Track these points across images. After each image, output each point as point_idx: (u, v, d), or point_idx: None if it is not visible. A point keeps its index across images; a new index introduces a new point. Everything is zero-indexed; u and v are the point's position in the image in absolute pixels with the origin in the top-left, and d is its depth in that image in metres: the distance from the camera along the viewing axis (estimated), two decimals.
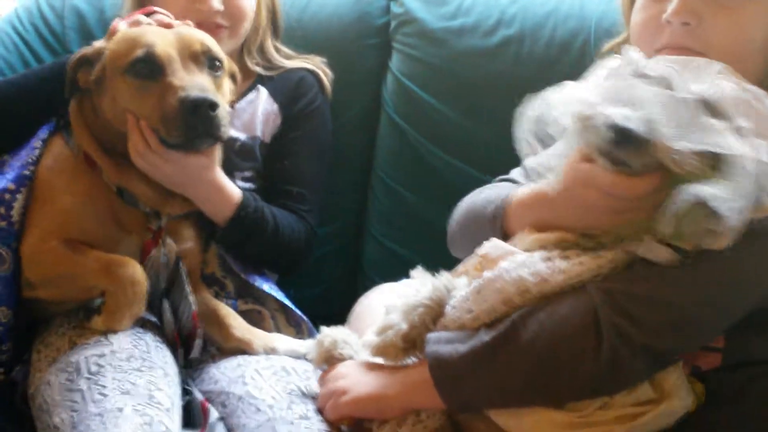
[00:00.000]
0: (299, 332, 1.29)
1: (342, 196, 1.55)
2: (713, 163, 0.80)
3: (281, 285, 1.39)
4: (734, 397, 0.92)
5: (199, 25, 1.26)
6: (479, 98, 1.46)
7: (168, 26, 1.21)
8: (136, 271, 1.13)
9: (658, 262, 0.86)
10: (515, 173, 1.14)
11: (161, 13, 1.24)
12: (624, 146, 0.83)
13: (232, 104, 1.29)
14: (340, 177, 1.53)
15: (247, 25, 1.40)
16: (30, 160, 1.19)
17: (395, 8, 1.56)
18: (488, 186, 1.13)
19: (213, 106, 1.10)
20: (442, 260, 1.06)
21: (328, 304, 1.38)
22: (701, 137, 0.79)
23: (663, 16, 0.97)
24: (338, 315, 1.24)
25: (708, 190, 0.78)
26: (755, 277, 0.87)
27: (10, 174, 1.19)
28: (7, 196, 1.16)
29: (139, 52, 1.13)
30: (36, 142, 1.22)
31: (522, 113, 0.96)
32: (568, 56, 1.39)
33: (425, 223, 1.48)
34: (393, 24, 1.56)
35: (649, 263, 0.87)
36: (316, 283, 1.51)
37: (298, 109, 1.42)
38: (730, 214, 0.78)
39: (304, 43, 1.52)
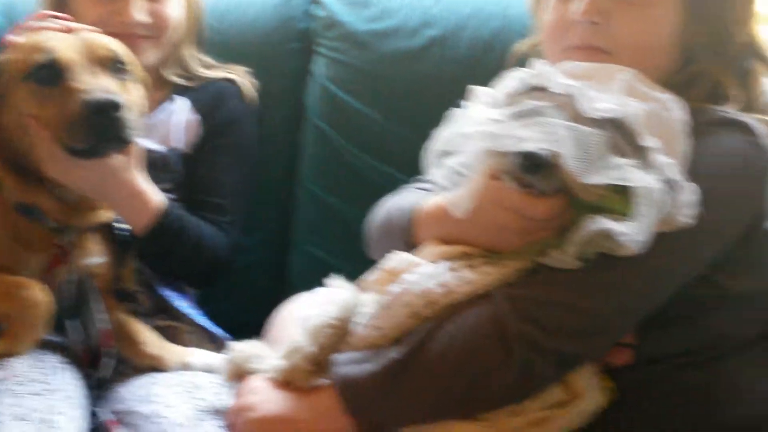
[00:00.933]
0: (219, 347, 1.26)
1: (266, 205, 1.54)
2: (619, 190, 0.82)
3: (203, 297, 1.38)
4: (646, 393, 0.94)
5: (119, 36, 1.23)
6: (405, 101, 1.46)
7: (69, 31, 1.17)
8: (38, 293, 1.10)
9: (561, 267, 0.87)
10: (445, 176, 1.12)
11: (61, 17, 1.20)
12: (532, 171, 0.84)
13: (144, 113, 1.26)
14: (264, 186, 1.51)
15: (170, 35, 1.38)
16: None
17: (318, 12, 1.56)
18: (405, 191, 1.12)
19: (117, 106, 1.06)
20: (370, 267, 1.03)
21: (254, 315, 1.32)
22: (606, 172, 0.81)
23: (571, 15, 0.98)
24: (263, 326, 1.21)
25: (617, 227, 0.81)
26: (657, 277, 0.89)
27: None
28: None
29: (40, 58, 1.09)
30: None
31: (428, 146, 0.97)
32: (491, 56, 1.39)
33: (352, 230, 1.44)
34: (316, 27, 1.56)
35: (554, 269, 0.87)
36: (241, 294, 1.50)
37: (219, 120, 1.42)
38: (636, 246, 0.81)
39: (224, 51, 1.51)
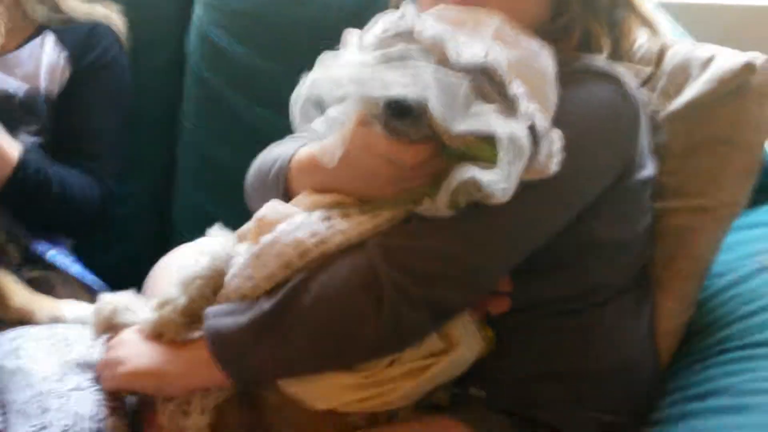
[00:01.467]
0: (95, 299, 1.19)
1: (147, 152, 1.51)
2: (484, 138, 0.81)
3: (79, 248, 1.36)
4: (524, 340, 0.96)
5: None
6: (291, 45, 1.42)
7: None
8: None
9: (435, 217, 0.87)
10: (317, 123, 1.08)
11: None
12: (399, 116, 0.83)
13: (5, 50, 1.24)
14: (144, 132, 1.49)
15: None
16: None
17: None
18: (281, 142, 1.10)
19: None
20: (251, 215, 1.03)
21: (138, 266, 1.28)
22: (471, 120, 0.81)
23: None
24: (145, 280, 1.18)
25: (482, 175, 0.80)
26: (527, 225, 0.90)
27: None
28: None
29: None
30: None
31: (296, 93, 0.94)
32: None
33: (238, 179, 1.38)
34: None
35: (426, 218, 0.87)
36: (120, 245, 1.48)
37: (90, 61, 1.37)
38: (502, 193, 0.81)
39: None
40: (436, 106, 0.80)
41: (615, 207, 0.94)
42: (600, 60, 0.96)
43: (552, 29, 0.97)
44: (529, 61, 0.86)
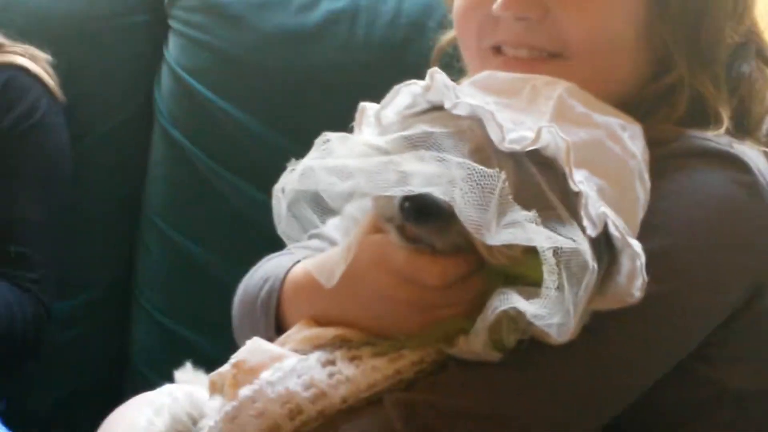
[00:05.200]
0: None
1: (98, 252, 1.57)
2: (533, 252, 0.84)
3: (7, 388, 1.41)
4: None
5: None
6: (291, 102, 1.49)
7: None
8: None
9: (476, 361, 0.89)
10: (329, 226, 1.11)
11: None
12: (422, 221, 0.86)
13: None
14: (92, 223, 1.54)
15: None
16: None
17: None
18: (277, 254, 1.15)
19: None
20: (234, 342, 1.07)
21: (85, 410, 1.38)
22: (509, 229, 0.83)
23: (492, 7, 0.99)
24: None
25: (526, 305, 0.82)
26: (607, 376, 0.91)
27: None
28: None
29: None
30: None
31: (279, 185, 0.97)
32: (418, 40, 1.43)
33: (218, 288, 1.45)
34: None
35: (464, 363, 0.89)
36: (64, 381, 1.52)
37: (7, 126, 1.44)
38: (557, 331, 0.83)
39: (29, 26, 1.53)
40: (464, 209, 0.83)
41: (745, 345, 0.96)
42: (717, 137, 0.98)
43: (649, 94, 1.01)
44: (604, 145, 0.89)
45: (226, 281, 1.40)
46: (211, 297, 1.48)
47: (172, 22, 1.59)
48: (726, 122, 0.99)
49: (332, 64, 1.50)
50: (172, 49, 1.58)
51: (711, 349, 0.95)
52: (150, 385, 1.25)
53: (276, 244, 1.14)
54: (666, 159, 0.94)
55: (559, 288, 0.82)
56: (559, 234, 0.83)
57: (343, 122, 0.98)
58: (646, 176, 0.93)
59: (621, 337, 0.89)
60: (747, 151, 0.97)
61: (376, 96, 0.98)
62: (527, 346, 0.87)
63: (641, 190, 0.92)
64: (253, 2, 1.55)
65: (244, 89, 1.53)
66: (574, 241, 0.83)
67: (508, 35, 1.01)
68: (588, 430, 0.94)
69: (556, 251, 0.82)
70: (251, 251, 1.19)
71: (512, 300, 0.84)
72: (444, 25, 1.30)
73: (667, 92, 1.01)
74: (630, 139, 0.92)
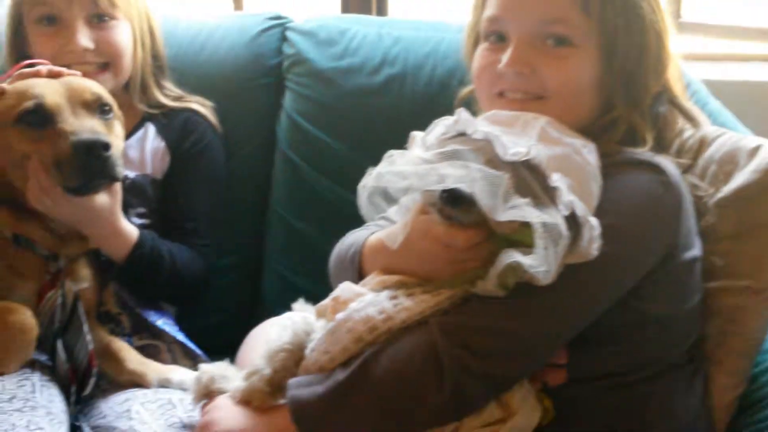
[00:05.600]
0: (195, 365, 1.25)
1: (240, 229, 1.55)
2: (526, 225, 0.85)
3: (181, 316, 1.39)
4: (581, 410, 0.97)
5: (74, 68, 1.25)
6: (367, 133, 1.47)
7: (57, 75, 1.20)
8: (26, 317, 1.12)
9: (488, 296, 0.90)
10: (391, 211, 1.14)
11: (43, 63, 1.23)
12: (453, 205, 0.88)
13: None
14: (238, 211, 1.52)
15: (127, 61, 1.38)
16: None
17: (287, 49, 1.57)
18: (358, 229, 1.15)
19: (106, 146, 1.10)
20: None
21: (230, 333, 1.34)
22: (510, 211, 0.85)
23: (498, 66, 1.00)
24: (238, 344, 1.24)
25: (523, 259, 0.84)
26: (574, 303, 0.91)
27: None
28: None
29: (29, 104, 1.12)
30: None
31: (363, 184, 0.99)
32: (447, 93, 1.40)
33: (320, 253, 1.39)
34: (285, 64, 1.57)
35: (481, 297, 0.90)
36: (217, 313, 1.51)
37: (187, 148, 1.42)
38: (543, 275, 0.84)
39: (199, 84, 1.51)
40: (482, 197, 0.85)
41: (662, 286, 0.96)
42: (643, 152, 0.98)
43: (601, 124, 1.01)
44: (571, 157, 0.90)
45: (323, 248, 1.37)
46: (314, 258, 1.44)
47: (287, 83, 1.57)
48: (649, 143, 1.01)
49: (390, 108, 1.48)
50: (287, 99, 1.57)
51: (639, 290, 0.95)
52: (274, 315, 1.29)
53: (356, 225, 1.18)
54: (611, 166, 0.95)
55: (545, 248, 0.84)
56: (544, 213, 0.85)
57: (400, 145, 1.01)
58: (599, 178, 0.94)
59: (583, 279, 0.89)
60: (663, 160, 0.98)
61: (420, 128, 1.02)
62: (523, 286, 0.88)
63: (595, 187, 0.93)
64: (340, 69, 1.52)
65: (335, 125, 1.52)
66: (553, 217, 0.85)
67: (508, 84, 1.01)
68: (564, 340, 0.94)
69: (543, 224, 0.84)
70: (340, 229, 1.20)
71: (514, 256, 0.86)
72: (463, 83, 1.31)
73: (610, 123, 1.01)
74: (588, 154, 0.94)
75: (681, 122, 1.07)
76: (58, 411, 1.11)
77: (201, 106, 1.48)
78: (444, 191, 0.88)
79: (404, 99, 1.47)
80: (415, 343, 0.91)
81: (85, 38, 1.32)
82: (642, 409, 0.98)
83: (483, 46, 1.05)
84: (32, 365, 1.16)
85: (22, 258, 1.19)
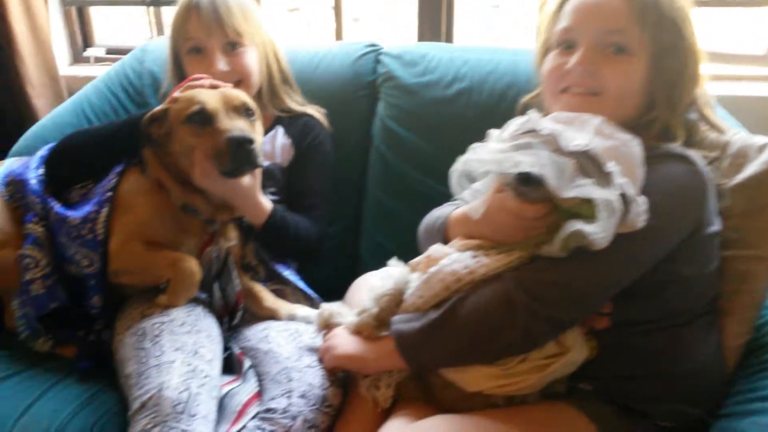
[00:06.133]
0: (312, 305, 1.30)
1: (345, 205, 1.55)
2: (585, 201, 0.83)
3: (301, 269, 1.40)
4: (621, 349, 0.95)
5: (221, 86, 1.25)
6: (441, 133, 1.44)
7: (215, 87, 1.22)
8: (193, 264, 1.14)
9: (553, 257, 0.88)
10: (466, 194, 1.12)
11: (206, 78, 1.24)
12: (525, 185, 0.86)
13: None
14: (342, 192, 1.52)
15: (255, 79, 1.37)
16: (108, 188, 1.20)
17: (380, 69, 1.55)
18: (442, 206, 1.13)
19: (251, 141, 1.11)
20: (415, 249, 1.07)
21: (335, 284, 1.34)
22: (575, 189, 0.83)
23: (567, 65, 0.97)
24: (343, 290, 1.24)
25: (585, 227, 0.81)
26: (621, 265, 0.89)
27: (94, 199, 1.21)
28: (92, 216, 1.18)
29: (195, 108, 1.14)
30: (111, 176, 1.22)
31: (453, 168, 0.98)
32: (504, 102, 1.38)
33: (404, 224, 1.42)
34: (379, 80, 1.56)
35: (547, 258, 0.88)
36: (326, 268, 1.51)
37: (306, 143, 1.42)
38: (600, 241, 0.82)
39: (315, 94, 1.51)
40: (551, 179, 0.83)
41: (690, 253, 0.92)
42: (676, 146, 0.94)
43: (642, 122, 0.96)
44: (622, 149, 0.87)
45: (407, 220, 1.38)
46: (399, 228, 1.48)
47: (380, 95, 1.55)
48: (681, 139, 0.96)
49: (460, 114, 1.45)
50: (380, 107, 1.55)
51: (673, 256, 0.91)
52: (369, 271, 1.28)
53: (432, 203, 1.16)
54: (651, 158, 0.91)
55: (606, 218, 0.80)
56: (604, 192, 0.82)
57: (467, 142, 0.99)
58: (643, 165, 0.90)
59: (630, 245, 0.86)
60: (692, 153, 0.93)
61: (482, 130, 1.01)
62: (581, 249, 0.85)
63: (640, 172, 0.89)
64: (421, 84, 1.50)
65: (417, 127, 1.49)
66: (610, 195, 0.82)
67: (573, 80, 0.97)
68: (613, 293, 0.91)
69: (604, 200, 0.81)
70: (420, 206, 1.18)
71: (578, 225, 0.83)
72: (518, 95, 1.27)
73: (650, 121, 0.96)
74: (635, 147, 0.90)
75: (705, 128, 1.02)
76: (215, 335, 1.13)
77: (317, 111, 1.47)
78: (519, 173, 0.86)
79: (470, 107, 1.44)
80: (493, 292, 0.89)
81: (221, 63, 1.32)
82: (669, 350, 0.95)
83: (554, 53, 1.01)
84: (196, 301, 1.19)
85: (189, 221, 1.21)
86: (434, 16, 1.83)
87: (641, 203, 0.83)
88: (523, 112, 0.98)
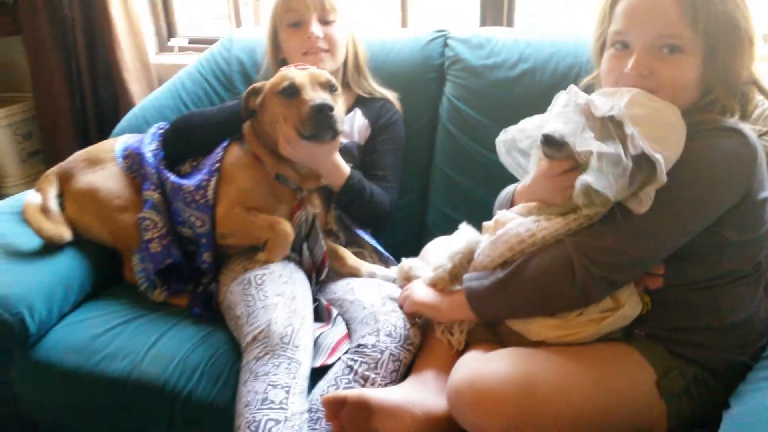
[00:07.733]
0: (387, 266, 1.39)
1: (414, 179, 1.59)
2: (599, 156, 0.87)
3: (375, 236, 1.48)
4: (672, 305, 0.98)
5: (310, 53, 1.37)
6: (506, 111, 1.45)
7: (304, 68, 1.33)
8: (287, 227, 1.26)
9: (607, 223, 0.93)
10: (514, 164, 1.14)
11: (297, 64, 1.36)
12: (550, 145, 0.92)
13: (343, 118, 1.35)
14: (412, 167, 1.57)
15: (341, 51, 1.45)
16: (216, 160, 1.34)
17: (448, 52, 1.59)
18: (513, 184, 1.17)
19: (331, 108, 1.20)
20: (478, 220, 1.13)
21: (405, 250, 1.38)
22: (583, 144, 0.88)
23: (624, 69, 0.97)
24: (411, 256, 1.28)
25: (587, 177, 0.86)
26: (670, 231, 0.92)
27: (205, 170, 1.34)
28: (204, 183, 1.31)
29: (286, 83, 1.26)
30: (218, 150, 1.36)
31: (499, 139, 1.02)
32: (566, 82, 1.30)
33: (468, 197, 1.53)
34: (446, 63, 1.59)
35: (602, 223, 0.93)
36: (396, 235, 1.56)
37: (381, 124, 1.48)
38: (606, 189, 0.85)
39: (388, 77, 1.57)
40: (569, 137, 0.89)
41: (739, 218, 0.95)
42: (730, 120, 0.96)
43: (701, 104, 0.98)
44: (654, 116, 0.90)
45: (471, 193, 1.48)
46: (464, 200, 1.53)
47: (448, 77, 1.59)
48: (736, 114, 0.97)
49: (523, 94, 1.48)
50: (447, 88, 1.58)
51: (724, 221, 0.93)
52: (436, 238, 1.36)
53: (494, 177, 1.23)
54: (705, 132, 0.93)
55: (598, 168, 0.85)
56: (604, 145, 0.86)
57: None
58: (681, 130, 0.90)
59: (679, 211, 0.90)
60: (744, 127, 0.95)
61: (545, 108, 1.03)
62: (634, 217, 0.88)
63: (674, 135, 0.90)
64: (486, 65, 1.54)
65: (482, 106, 1.53)
66: (611, 149, 0.86)
67: (630, 83, 0.97)
68: (663, 256, 0.93)
69: (599, 152, 0.86)
70: (484, 180, 1.29)
71: (583, 177, 0.87)
72: (579, 75, 1.31)
73: (709, 103, 0.97)
74: (670, 115, 0.92)
75: (758, 97, 1.02)
76: (306, 286, 1.25)
77: (391, 94, 1.54)
78: (543, 135, 0.91)
79: (534, 87, 1.47)
80: (554, 254, 0.95)
81: (317, 29, 1.42)
82: (720, 305, 0.97)
83: (610, 53, 1.01)
84: (288, 259, 1.29)
85: (281, 189, 1.32)
86: (496, 1, 1.87)
87: (659, 159, 0.86)
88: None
